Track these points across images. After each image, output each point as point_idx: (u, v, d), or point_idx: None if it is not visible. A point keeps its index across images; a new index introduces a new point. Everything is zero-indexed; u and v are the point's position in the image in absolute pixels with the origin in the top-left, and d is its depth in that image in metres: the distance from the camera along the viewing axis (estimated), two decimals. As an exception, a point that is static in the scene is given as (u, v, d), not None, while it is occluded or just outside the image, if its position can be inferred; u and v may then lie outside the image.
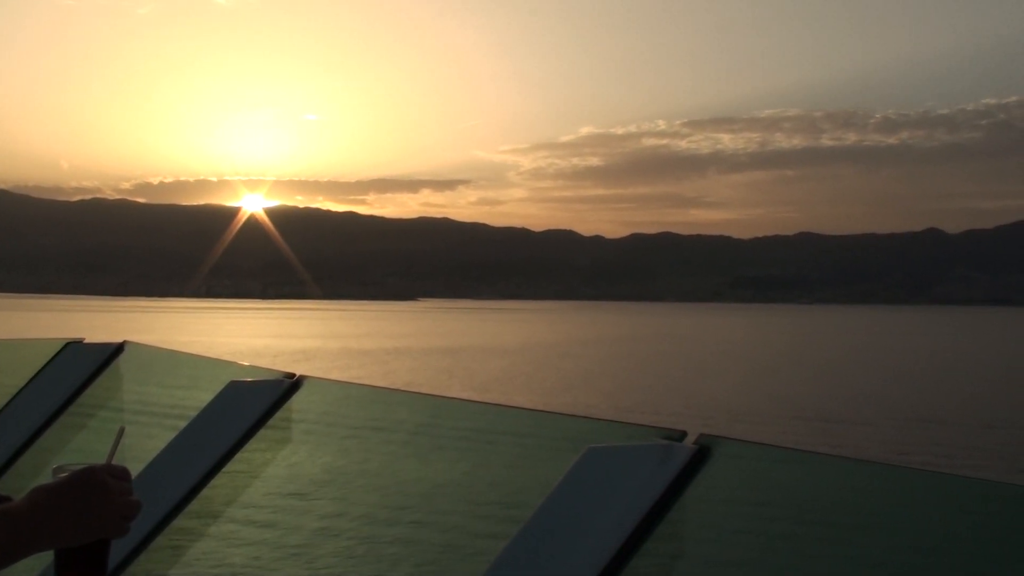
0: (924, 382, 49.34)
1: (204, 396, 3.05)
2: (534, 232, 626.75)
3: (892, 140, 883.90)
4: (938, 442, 29.03)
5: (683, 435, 1.90)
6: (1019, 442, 29.17)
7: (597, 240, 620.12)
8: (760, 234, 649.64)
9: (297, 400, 2.94)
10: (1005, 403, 39.33)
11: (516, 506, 1.99)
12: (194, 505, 2.80)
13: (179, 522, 2.77)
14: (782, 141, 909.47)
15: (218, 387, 3.03)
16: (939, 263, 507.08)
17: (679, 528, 1.82)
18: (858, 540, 1.73)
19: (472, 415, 2.83)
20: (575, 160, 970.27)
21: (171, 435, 2.99)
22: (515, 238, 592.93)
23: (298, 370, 2.99)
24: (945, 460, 25.41)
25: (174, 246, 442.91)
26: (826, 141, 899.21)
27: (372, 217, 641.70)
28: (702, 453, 1.84)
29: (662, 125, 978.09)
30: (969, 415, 34.98)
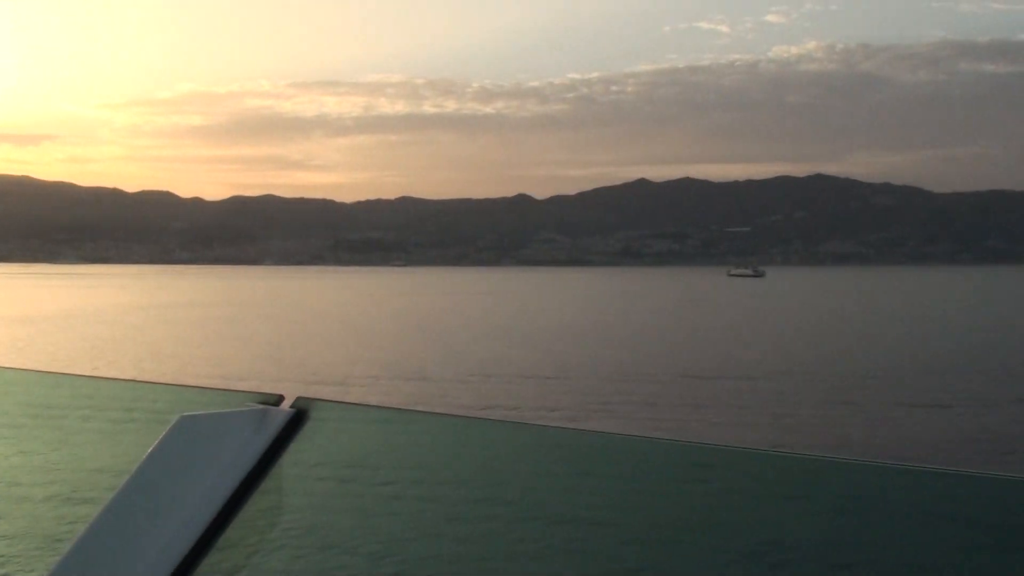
0: (513, 339, 52.28)
1: None
2: (127, 193, 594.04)
3: (488, 109, 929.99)
4: (531, 396, 30.88)
5: (280, 399, 1.87)
6: (613, 393, 31.70)
7: (196, 202, 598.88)
8: (363, 198, 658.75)
9: None
10: (594, 355, 42.61)
11: (102, 486, 1.88)
12: None
13: None
14: (386, 106, 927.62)
15: None
16: (527, 227, 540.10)
17: (277, 493, 1.81)
18: (451, 492, 1.79)
19: (52, 388, 2.61)
20: (175, 118, 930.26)
21: None
22: (105, 199, 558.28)
23: None
24: (546, 413, 26.99)
25: None
26: (428, 108, 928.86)
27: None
28: (299, 416, 1.84)
29: (266, 85, 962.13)
30: (563, 369, 37.47)
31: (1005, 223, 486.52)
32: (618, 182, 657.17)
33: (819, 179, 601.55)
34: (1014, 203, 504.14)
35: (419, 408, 1.95)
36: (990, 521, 1.42)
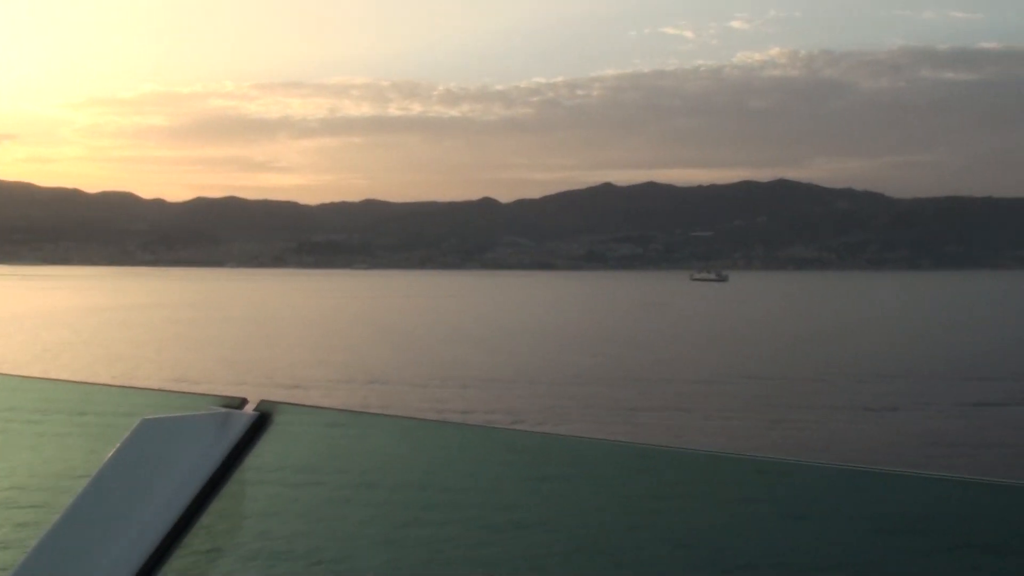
0: (475, 343, 52.36)
1: None
2: (88, 193, 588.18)
3: (454, 112, 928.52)
4: (492, 398, 30.99)
5: (243, 402, 1.86)
6: (577, 398, 31.85)
7: (158, 203, 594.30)
8: (328, 200, 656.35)
9: None
10: (556, 359, 42.76)
11: (58, 490, 1.86)
12: None
13: None
14: (351, 108, 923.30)
15: None
16: (492, 230, 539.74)
17: (240, 496, 1.79)
18: (416, 496, 1.80)
19: (5, 392, 2.53)
20: (137, 118, 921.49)
21: None
22: (66, 199, 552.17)
23: None
24: (502, 416, 27.05)
25: None
26: (393, 110, 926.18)
27: None
28: (262, 420, 1.82)
29: (230, 86, 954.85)
30: (525, 373, 37.59)
31: (964, 229, 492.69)
32: (583, 186, 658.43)
33: (782, 184, 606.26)
34: (973, 209, 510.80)
35: (383, 412, 1.93)
36: (942, 522, 1.44)
